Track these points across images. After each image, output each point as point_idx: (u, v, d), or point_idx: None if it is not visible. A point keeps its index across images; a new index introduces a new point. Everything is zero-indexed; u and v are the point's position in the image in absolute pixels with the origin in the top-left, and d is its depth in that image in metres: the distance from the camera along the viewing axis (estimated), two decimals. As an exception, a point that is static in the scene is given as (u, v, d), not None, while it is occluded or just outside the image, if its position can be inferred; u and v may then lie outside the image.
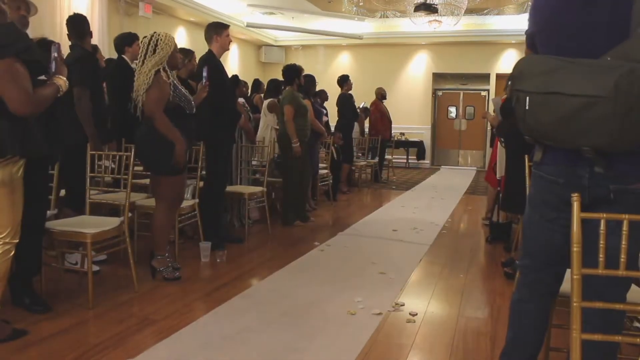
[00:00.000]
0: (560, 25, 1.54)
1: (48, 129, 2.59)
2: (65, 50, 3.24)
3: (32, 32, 5.46)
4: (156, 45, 3.01)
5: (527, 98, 1.48)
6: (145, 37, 3.09)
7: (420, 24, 9.34)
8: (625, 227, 1.24)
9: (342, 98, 7.29)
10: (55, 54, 2.30)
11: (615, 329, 1.52)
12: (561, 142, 1.49)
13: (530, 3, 1.75)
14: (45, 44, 2.45)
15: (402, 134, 11.90)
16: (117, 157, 3.20)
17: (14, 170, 2.18)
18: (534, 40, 1.66)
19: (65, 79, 2.31)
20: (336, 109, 7.34)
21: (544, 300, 1.73)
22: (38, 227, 2.63)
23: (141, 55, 3.03)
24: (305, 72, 5.49)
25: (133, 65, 3.94)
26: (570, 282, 1.31)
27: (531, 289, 1.72)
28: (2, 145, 2.11)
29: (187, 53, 4.24)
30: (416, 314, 2.78)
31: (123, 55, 4.18)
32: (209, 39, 3.94)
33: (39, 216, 2.63)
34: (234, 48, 10.73)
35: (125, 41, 4.19)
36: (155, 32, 3.07)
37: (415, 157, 12.10)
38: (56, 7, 6.26)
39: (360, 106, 8.55)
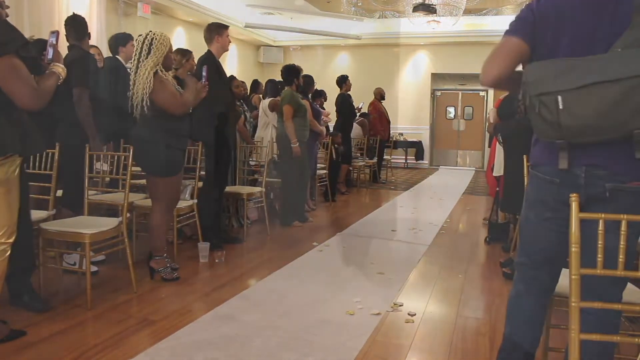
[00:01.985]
0: (571, 24, 1.54)
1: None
2: (63, 51, 3.23)
3: (30, 32, 5.47)
4: (151, 44, 3.00)
5: (559, 97, 1.43)
6: (140, 35, 3.08)
7: (418, 24, 9.35)
8: (623, 227, 1.24)
9: (340, 98, 7.30)
10: (53, 40, 2.28)
11: (612, 327, 1.53)
12: (604, 134, 1.43)
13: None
14: (39, 44, 2.45)
15: (401, 134, 11.91)
16: (115, 158, 3.20)
17: (11, 169, 2.17)
18: (534, 32, 1.60)
19: (63, 66, 2.30)
20: (335, 109, 7.34)
21: (539, 296, 1.76)
22: (25, 223, 2.60)
23: (136, 54, 3.02)
24: (304, 72, 5.49)
25: (128, 65, 3.94)
26: (567, 282, 1.31)
27: (527, 286, 1.75)
28: (3, 143, 2.11)
29: (185, 53, 4.24)
30: (415, 314, 2.78)
31: (117, 56, 4.17)
32: (209, 39, 3.94)
33: (24, 213, 2.59)
34: (232, 48, 10.73)
35: (119, 42, 4.18)
36: (150, 31, 3.06)
37: (413, 158, 12.11)
38: (54, 8, 6.26)
39: (360, 106, 8.56)
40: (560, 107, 1.43)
